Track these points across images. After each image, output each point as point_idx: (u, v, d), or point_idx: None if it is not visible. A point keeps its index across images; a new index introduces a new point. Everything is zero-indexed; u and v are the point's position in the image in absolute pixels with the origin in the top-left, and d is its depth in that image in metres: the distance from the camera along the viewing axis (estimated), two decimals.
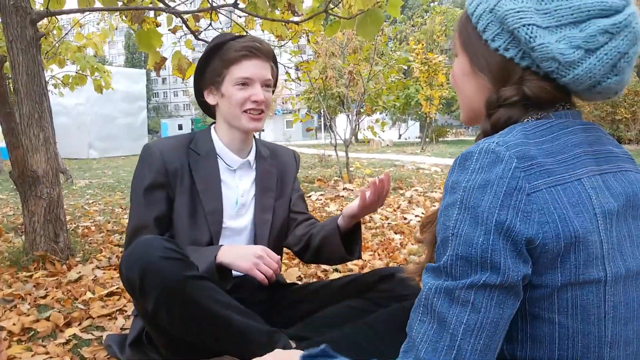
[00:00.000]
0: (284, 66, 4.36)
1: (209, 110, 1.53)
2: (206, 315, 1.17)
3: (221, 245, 1.33)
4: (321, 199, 5.25)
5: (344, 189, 5.99)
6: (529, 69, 0.72)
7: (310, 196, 5.49)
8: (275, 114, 32.45)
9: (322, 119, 7.86)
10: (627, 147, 12.29)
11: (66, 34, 6.59)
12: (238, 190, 1.49)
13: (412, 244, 3.09)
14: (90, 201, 5.69)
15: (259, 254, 1.29)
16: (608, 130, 14.44)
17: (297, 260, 2.79)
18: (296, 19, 3.10)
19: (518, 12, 0.69)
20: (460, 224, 0.65)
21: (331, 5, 3.00)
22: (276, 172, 1.57)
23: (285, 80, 5.82)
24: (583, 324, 0.67)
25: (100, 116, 17.67)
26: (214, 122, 1.54)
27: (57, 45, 6.19)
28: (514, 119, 0.73)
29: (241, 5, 3.20)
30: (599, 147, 0.72)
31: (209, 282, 1.20)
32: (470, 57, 0.78)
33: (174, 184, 1.41)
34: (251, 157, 1.53)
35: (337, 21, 3.08)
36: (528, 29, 0.69)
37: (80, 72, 6.69)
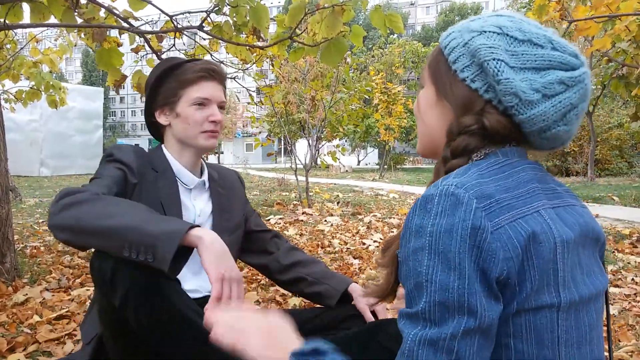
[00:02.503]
0: (247, 89, 4.37)
1: (157, 131, 1.52)
2: (176, 318, 1.12)
3: (196, 225, 1.09)
4: (280, 223, 5.23)
5: (303, 213, 6.00)
6: (490, 103, 0.77)
7: (269, 219, 5.46)
8: (236, 136, 32.34)
9: (283, 143, 7.89)
10: (574, 179, 12.85)
11: (21, 48, 6.43)
12: (195, 210, 1.47)
13: (371, 269, 3.11)
14: (40, 220, 5.48)
15: (237, 276, 1.08)
16: (557, 162, 15.10)
17: (254, 285, 2.76)
18: (260, 44, 3.13)
19: (490, 47, 0.76)
20: (433, 270, 0.67)
21: (297, 31, 3.05)
22: (225, 192, 1.58)
23: (248, 104, 5.83)
24: (538, 349, 0.69)
25: (54, 133, 17.12)
26: (160, 144, 1.53)
27: (11, 59, 6.02)
28: (471, 147, 0.78)
29: (206, 27, 3.21)
30: (545, 185, 0.77)
31: (182, 289, 1.16)
32: (438, 87, 0.84)
33: (134, 181, 1.36)
34: (205, 177, 1.53)
35: (301, 47, 3.12)
36: (497, 63, 0.75)
37: (35, 87, 6.52)
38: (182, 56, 3.91)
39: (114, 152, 1.38)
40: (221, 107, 1.48)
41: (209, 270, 1.02)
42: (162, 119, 1.45)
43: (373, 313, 1.42)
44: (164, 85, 1.43)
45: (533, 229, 0.69)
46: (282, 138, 7.71)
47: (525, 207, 0.71)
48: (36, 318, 2.02)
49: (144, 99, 1.57)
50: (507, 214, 0.69)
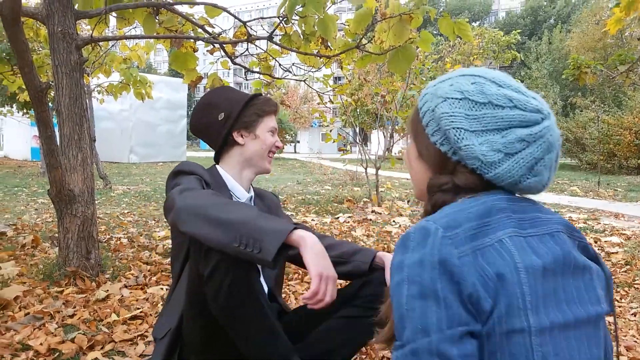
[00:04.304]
0: (317, 91, 4.43)
1: (224, 145, 1.68)
2: (250, 299, 1.26)
3: (298, 227, 1.22)
4: (348, 222, 5.28)
5: (372, 211, 6.01)
6: (459, 163, 0.84)
7: (338, 217, 5.53)
8: (312, 126, 32.70)
9: (354, 134, 7.89)
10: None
11: (113, 45, 6.90)
12: None
13: None
14: (126, 210, 5.89)
15: (334, 276, 1.20)
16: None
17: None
18: (328, 53, 3.16)
19: (450, 115, 0.82)
20: (412, 299, 0.73)
21: (364, 41, 3.05)
22: (265, 208, 1.75)
23: (318, 103, 5.90)
24: None
25: (142, 122, 18.20)
26: (214, 164, 1.72)
27: (104, 55, 6.50)
28: (448, 202, 0.83)
29: (277, 34, 3.29)
30: (522, 215, 0.81)
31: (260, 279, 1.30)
32: (417, 145, 0.91)
33: None
34: (252, 193, 1.73)
35: (368, 55, 3.13)
36: (457, 131, 0.81)
37: (124, 82, 7.00)
38: (255, 59, 4.05)
39: (188, 167, 1.52)
40: None
41: (310, 267, 1.16)
42: (239, 139, 1.66)
43: None
44: (247, 111, 1.67)
45: (488, 260, 0.73)
46: (354, 129, 7.69)
47: (487, 237, 0.75)
48: (114, 317, 2.21)
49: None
50: (471, 243, 0.74)
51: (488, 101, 0.81)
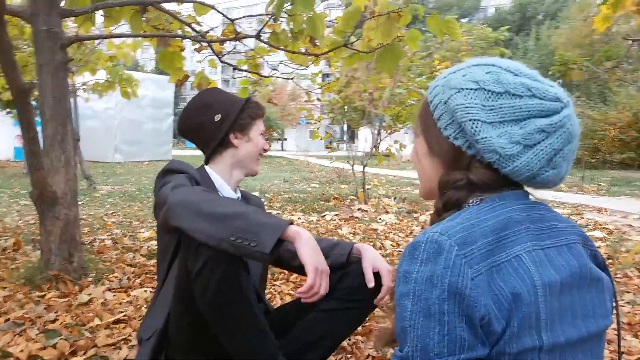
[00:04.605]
0: (304, 90, 4.40)
1: (213, 150, 1.68)
2: (239, 297, 1.26)
3: (292, 223, 1.24)
4: (335, 220, 5.26)
5: (358, 209, 6.00)
6: (474, 157, 0.79)
7: (324, 216, 5.51)
8: (299, 123, 32.62)
9: (342, 131, 7.89)
10: None
11: (99, 43, 6.79)
12: None
13: None
14: (110, 211, 5.81)
15: (327, 269, 1.24)
16: (633, 155, 14.20)
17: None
18: (316, 52, 3.13)
19: (466, 107, 0.77)
20: (415, 316, 0.70)
21: (352, 39, 3.03)
22: None
23: (305, 101, 5.87)
24: None
25: (128, 121, 17.98)
26: (202, 165, 1.72)
27: (89, 53, 6.40)
28: (462, 200, 0.80)
29: (265, 32, 3.25)
30: (540, 224, 0.77)
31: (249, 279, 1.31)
32: (427, 140, 0.86)
33: None
34: (239, 194, 1.75)
35: (356, 53, 3.10)
36: (473, 123, 0.76)
37: (110, 80, 6.92)
38: (242, 58, 4.01)
39: (177, 166, 1.51)
40: None
41: (306, 261, 1.19)
42: (234, 141, 1.68)
43: (377, 274, 1.47)
44: (242, 114, 1.69)
45: (504, 278, 0.70)
46: (342, 127, 7.69)
47: (504, 252, 0.71)
48: (97, 321, 2.16)
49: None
50: (486, 260, 0.70)
51: (505, 90, 0.76)
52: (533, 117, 0.75)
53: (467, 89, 0.78)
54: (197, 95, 1.74)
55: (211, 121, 1.66)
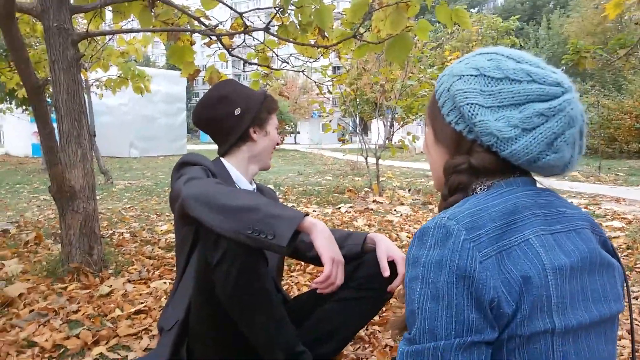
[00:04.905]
0: (315, 82, 4.42)
1: (232, 143, 1.69)
2: (258, 287, 1.28)
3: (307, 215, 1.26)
4: (350, 212, 5.29)
5: (373, 201, 6.01)
6: (475, 142, 0.81)
7: (339, 208, 5.54)
8: (312, 116, 32.62)
9: (354, 123, 7.89)
10: None
11: (110, 39, 6.86)
12: None
13: None
14: (128, 205, 5.90)
15: (342, 260, 1.26)
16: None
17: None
18: (325, 43, 3.15)
19: (465, 92, 0.80)
20: (424, 299, 0.72)
21: (361, 30, 3.04)
22: None
23: (317, 94, 5.89)
24: None
25: (141, 116, 18.17)
26: (218, 157, 1.73)
27: (101, 50, 6.47)
28: (464, 184, 0.82)
29: (274, 25, 3.28)
30: (549, 210, 0.79)
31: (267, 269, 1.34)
32: (434, 129, 0.89)
33: None
34: (254, 186, 1.77)
35: (365, 44, 3.11)
36: (471, 107, 0.79)
37: (123, 76, 6.98)
38: (252, 51, 4.04)
39: (193, 158, 1.54)
40: None
41: (322, 252, 1.21)
42: (254, 135, 1.70)
43: (392, 263, 1.49)
44: (261, 108, 1.72)
45: (514, 261, 0.71)
46: (354, 119, 7.68)
47: (513, 237, 0.73)
48: (118, 312, 2.22)
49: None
50: (495, 244, 0.72)
51: (505, 76, 0.78)
52: (532, 102, 0.76)
53: (467, 75, 0.81)
54: (214, 87, 1.73)
55: (231, 114, 1.66)
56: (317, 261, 1.73)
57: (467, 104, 0.79)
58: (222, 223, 1.20)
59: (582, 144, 0.81)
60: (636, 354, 1.96)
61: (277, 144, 1.79)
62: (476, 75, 0.80)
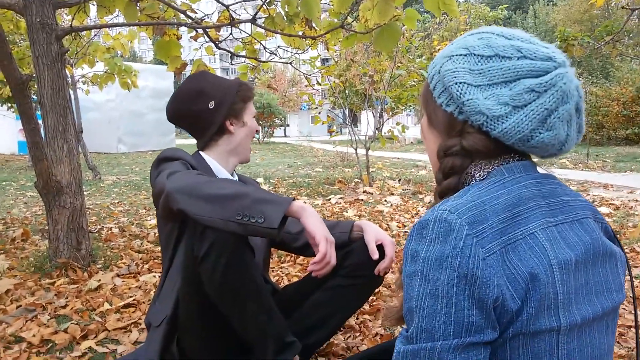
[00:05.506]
0: (303, 74, 4.40)
1: (213, 134, 1.65)
2: (246, 278, 1.27)
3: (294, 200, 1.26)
4: (340, 203, 5.29)
5: (363, 191, 6.02)
6: (467, 123, 0.78)
7: (329, 199, 5.54)
8: (301, 109, 32.53)
9: (344, 115, 7.87)
10: None
11: (95, 35, 6.79)
12: None
13: None
14: (116, 200, 5.86)
15: (333, 240, 1.27)
16: (637, 131, 14.12)
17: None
18: (312, 34, 3.13)
19: (453, 72, 0.78)
20: (422, 297, 0.69)
21: (349, 20, 3.02)
22: None
23: (306, 86, 5.87)
24: None
25: (129, 112, 18.00)
26: (197, 151, 1.69)
27: (87, 45, 6.40)
28: (457, 167, 0.80)
29: (260, 17, 3.25)
30: (552, 199, 0.76)
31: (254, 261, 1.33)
32: (427, 114, 0.87)
33: None
34: (235, 178, 1.74)
35: (353, 34, 3.10)
36: (459, 86, 0.76)
37: (109, 71, 6.91)
38: (239, 44, 4.01)
39: (171, 153, 1.50)
40: None
41: (315, 232, 1.22)
42: (230, 127, 1.65)
43: (380, 246, 1.50)
44: (236, 98, 1.66)
45: (520, 256, 0.69)
46: (344, 110, 7.67)
47: (519, 230, 0.70)
48: (106, 306, 2.21)
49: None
50: (499, 239, 0.69)
51: (494, 54, 0.75)
52: (523, 78, 0.73)
53: (457, 55, 0.79)
54: (186, 81, 1.67)
55: (205, 108, 1.61)
56: (302, 251, 1.74)
57: (456, 84, 0.77)
58: (210, 213, 1.18)
59: (582, 122, 0.78)
60: None
61: (257, 132, 1.76)
62: (465, 55, 0.77)
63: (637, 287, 2.48)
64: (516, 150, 0.78)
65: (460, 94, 0.76)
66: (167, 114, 1.68)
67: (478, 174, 0.79)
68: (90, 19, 4.92)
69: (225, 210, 1.17)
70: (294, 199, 1.23)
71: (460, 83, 0.76)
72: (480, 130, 0.77)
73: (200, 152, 1.67)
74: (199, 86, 1.63)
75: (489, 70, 0.74)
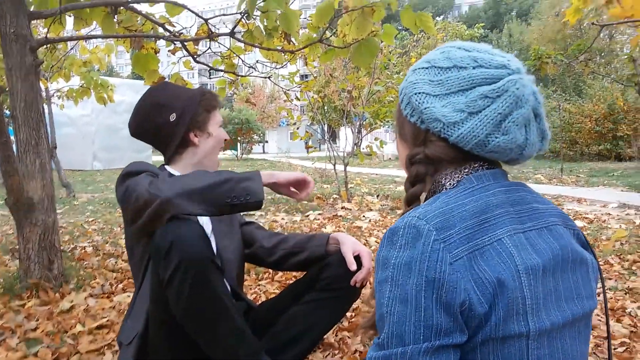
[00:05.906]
0: (282, 88, 4.39)
1: (176, 147, 1.58)
2: (213, 300, 1.25)
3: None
4: (319, 219, 5.26)
5: (342, 207, 6.00)
6: (429, 132, 0.82)
7: (308, 215, 5.50)
8: (280, 125, 32.55)
9: (322, 131, 7.89)
10: (627, 165, 12.29)
11: (72, 48, 6.68)
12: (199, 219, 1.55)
13: None
14: (90, 219, 5.72)
15: (302, 175, 1.42)
16: (609, 146, 14.46)
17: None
18: (291, 48, 3.13)
19: (414, 83, 0.82)
20: (393, 302, 0.70)
21: (327, 34, 3.03)
22: None
23: (284, 101, 5.86)
24: None
25: (105, 127, 17.74)
26: (162, 164, 1.64)
27: (62, 59, 6.29)
28: (422, 174, 0.83)
29: (238, 30, 3.23)
30: (521, 207, 0.78)
31: (224, 280, 1.33)
32: (398, 126, 0.91)
33: None
34: None
35: (331, 49, 3.10)
36: (418, 96, 0.81)
37: (85, 86, 6.80)
38: (218, 58, 3.98)
39: (136, 167, 1.45)
40: None
41: (288, 177, 1.40)
42: (194, 139, 1.59)
43: (357, 258, 1.50)
44: (199, 109, 1.59)
45: (488, 262, 0.70)
46: (322, 128, 7.68)
47: (486, 236, 0.71)
48: (79, 327, 2.13)
49: None
50: (467, 244, 0.70)
51: (453, 65, 0.78)
52: (478, 86, 0.75)
53: (419, 68, 0.83)
54: (146, 93, 1.62)
55: (167, 122, 1.54)
56: (278, 265, 1.72)
57: (415, 94, 0.81)
58: (207, 207, 1.26)
59: (544, 128, 0.80)
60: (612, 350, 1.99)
61: (225, 140, 1.67)
62: (427, 67, 0.82)
63: (610, 298, 2.50)
64: (485, 159, 0.81)
65: (419, 103, 0.80)
66: (129, 129, 1.62)
67: (448, 183, 0.81)
68: (67, 32, 4.85)
69: (217, 198, 1.26)
70: (257, 171, 1.35)
71: (419, 93, 0.80)
72: (441, 138, 0.80)
73: (166, 167, 1.61)
74: (159, 98, 1.57)
75: (447, 80, 0.78)
